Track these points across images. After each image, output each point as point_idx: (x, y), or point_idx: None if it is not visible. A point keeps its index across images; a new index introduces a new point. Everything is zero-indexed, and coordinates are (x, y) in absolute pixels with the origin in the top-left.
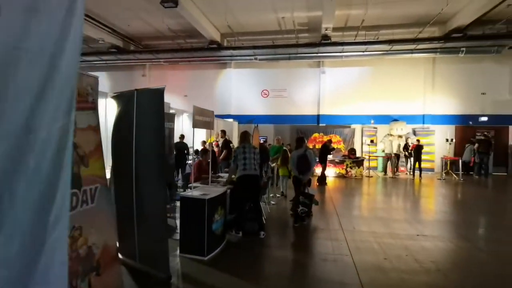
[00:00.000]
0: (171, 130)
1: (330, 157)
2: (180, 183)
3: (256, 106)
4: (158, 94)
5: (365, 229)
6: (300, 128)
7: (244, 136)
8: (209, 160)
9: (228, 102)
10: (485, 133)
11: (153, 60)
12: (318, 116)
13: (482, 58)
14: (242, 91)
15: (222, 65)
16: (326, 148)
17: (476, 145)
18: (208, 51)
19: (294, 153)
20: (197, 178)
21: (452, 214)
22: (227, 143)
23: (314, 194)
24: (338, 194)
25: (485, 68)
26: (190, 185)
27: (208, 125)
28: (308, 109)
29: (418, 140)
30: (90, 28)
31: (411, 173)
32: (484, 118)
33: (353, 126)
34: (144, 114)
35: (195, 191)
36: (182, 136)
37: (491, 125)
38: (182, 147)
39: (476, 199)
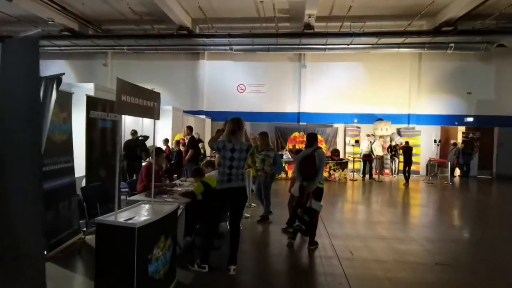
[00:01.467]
0: (116, 124)
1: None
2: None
3: (231, 102)
4: (30, 45)
5: (367, 255)
6: (280, 127)
7: (237, 126)
8: (164, 164)
9: (201, 97)
10: (470, 134)
11: (115, 48)
12: (299, 114)
13: (468, 56)
14: (216, 85)
15: (194, 56)
16: None
17: (462, 145)
18: (177, 39)
19: (300, 153)
20: (145, 187)
21: (473, 232)
22: (194, 141)
23: (318, 210)
24: (324, 203)
25: (471, 67)
26: (129, 198)
27: (148, 112)
28: (288, 107)
29: (407, 142)
30: (36, 5)
31: (397, 176)
32: (470, 119)
33: (335, 125)
34: (10, 80)
35: (127, 211)
36: (134, 132)
37: (477, 126)
38: (134, 146)
39: (485, 208)
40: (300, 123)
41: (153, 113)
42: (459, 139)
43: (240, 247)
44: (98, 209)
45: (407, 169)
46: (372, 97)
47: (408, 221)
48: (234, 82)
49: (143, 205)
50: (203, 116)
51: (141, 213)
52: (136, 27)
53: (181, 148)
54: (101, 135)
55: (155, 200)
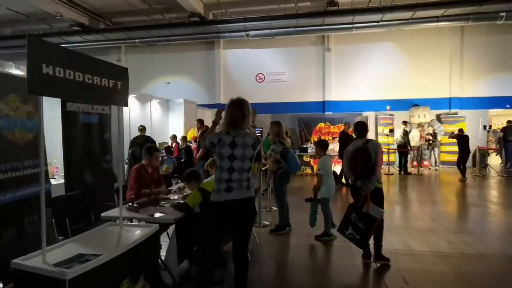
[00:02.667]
0: (105, 118)
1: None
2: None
3: (250, 93)
4: None
5: (433, 268)
6: (303, 118)
7: (240, 111)
8: (157, 165)
9: (217, 89)
10: None
11: (126, 41)
12: (323, 102)
13: None
14: (233, 75)
15: (209, 45)
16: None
17: (501, 132)
18: (189, 27)
19: (349, 146)
20: (136, 196)
21: None
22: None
23: (378, 218)
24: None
25: None
26: (103, 214)
27: (103, 96)
28: (312, 95)
29: (461, 129)
30: None
31: (438, 168)
32: None
33: (365, 113)
34: None
35: (78, 241)
36: (143, 128)
37: None
38: (142, 144)
39: None
40: (326, 113)
41: (114, 98)
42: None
43: (260, 269)
44: (68, 227)
45: (462, 161)
46: (407, 80)
47: (471, 228)
48: (252, 71)
49: (111, 227)
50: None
51: (96, 244)
52: (147, 18)
53: (193, 145)
54: (84, 132)
55: (127, 223)
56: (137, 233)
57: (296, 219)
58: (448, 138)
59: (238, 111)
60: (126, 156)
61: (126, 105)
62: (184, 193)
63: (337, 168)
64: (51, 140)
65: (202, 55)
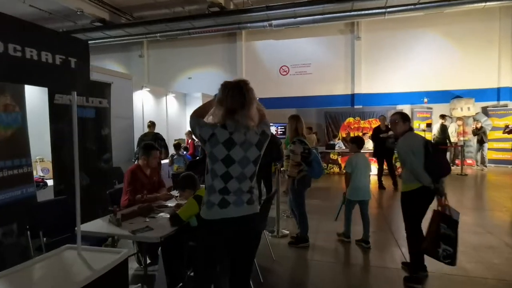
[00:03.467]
0: (103, 112)
1: (369, 146)
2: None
3: (273, 87)
4: None
5: None
6: (330, 112)
7: (240, 96)
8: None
9: None
10: None
11: (148, 36)
12: (353, 96)
13: None
14: (256, 69)
15: (230, 38)
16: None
17: None
18: (209, 18)
19: (408, 140)
20: (130, 202)
21: None
22: None
23: (458, 221)
24: (392, 210)
25: None
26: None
27: (40, 74)
28: (339, 88)
29: None
30: None
31: (485, 168)
32: None
33: (399, 107)
34: None
35: (12, 275)
36: (151, 125)
37: None
38: (151, 141)
39: None
40: (355, 107)
41: (62, 79)
42: None
43: None
44: (42, 241)
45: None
46: (448, 69)
47: None
48: (276, 64)
49: (67, 252)
50: None
51: (34, 282)
52: (167, 11)
53: None
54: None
55: (89, 247)
56: (98, 262)
57: (321, 228)
58: (503, 133)
59: (237, 95)
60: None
61: (83, 91)
62: (178, 202)
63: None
64: (40, 137)
65: (223, 48)
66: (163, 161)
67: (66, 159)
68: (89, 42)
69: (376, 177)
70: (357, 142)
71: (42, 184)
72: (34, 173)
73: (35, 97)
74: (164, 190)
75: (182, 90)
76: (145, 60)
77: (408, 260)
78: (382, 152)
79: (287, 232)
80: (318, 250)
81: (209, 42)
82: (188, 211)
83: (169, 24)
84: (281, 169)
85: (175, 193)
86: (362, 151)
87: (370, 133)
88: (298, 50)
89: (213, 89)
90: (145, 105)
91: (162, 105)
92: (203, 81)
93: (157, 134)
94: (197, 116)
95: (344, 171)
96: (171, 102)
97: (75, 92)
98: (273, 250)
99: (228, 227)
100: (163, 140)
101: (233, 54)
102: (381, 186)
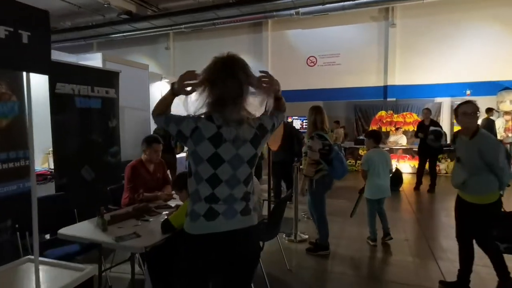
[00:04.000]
0: (110, 103)
1: (403, 142)
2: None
3: (300, 79)
4: None
5: None
6: (360, 105)
7: (234, 80)
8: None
9: None
10: None
11: (173, 28)
12: (385, 87)
13: None
14: (282, 60)
15: (256, 28)
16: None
17: None
18: (234, 7)
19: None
20: (131, 201)
21: None
22: None
23: None
24: (429, 213)
25: None
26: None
27: None
28: (371, 79)
29: None
30: None
31: None
32: None
33: (438, 99)
34: None
35: None
36: None
37: None
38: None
39: None
40: (388, 99)
41: (14, 57)
42: None
43: None
44: (28, 243)
45: None
46: (495, 57)
47: None
48: (303, 55)
49: (25, 266)
50: None
51: None
52: (193, 1)
53: None
54: (81, 119)
55: (51, 261)
56: (54, 281)
57: (345, 233)
58: None
59: (229, 78)
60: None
61: (44, 71)
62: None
63: (405, 165)
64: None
65: (249, 39)
66: (178, 155)
67: (69, 152)
68: (117, 35)
69: (410, 176)
70: (374, 137)
71: (50, 177)
72: (46, 165)
73: (43, 85)
74: (169, 188)
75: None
76: (171, 52)
77: (445, 278)
78: (426, 150)
79: (306, 236)
80: (340, 259)
81: (234, 33)
82: (181, 217)
83: (193, 15)
84: (300, 167)
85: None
86: (395, 147)
87: (405, 127)
88: (326, 39)
89: None
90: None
91: (182, 97)
92: None
93: None
94: (161, 113)
95: (360, 168)
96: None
97: (29, 74)
98: (287, 257)
99: (218, 245)
100: None
101: (258, 45)
102: (418, 187)
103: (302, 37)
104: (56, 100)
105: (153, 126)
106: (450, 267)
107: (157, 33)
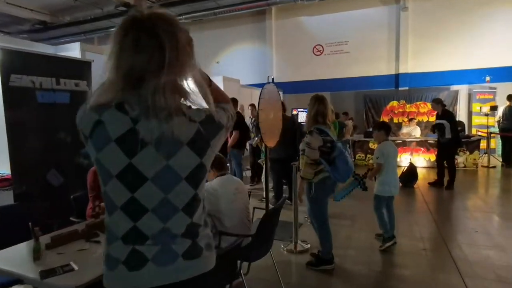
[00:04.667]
0: (79, 96)
1: (417, 134)
2: None
3: (305, 69)
4: None
5: None
6: (370, 95)
7: (152, 46)
8: None
9: (269, 66)
10: None
11: None
12: (397, 76)
13: None
14: (287, 49)
15: (259, 17)
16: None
17: None
18: None
19: None
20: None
21: None
22: (240, 119)
23: None
24: (444, 210)
25: None
26: None
27: None
28: (382, 67)
29: None
30: None
31: None
32: None
33: (454, 87)
34: None
35: None
36: None
37: None
38: None
39: None
40: (399, 89)
41: None
42: None
43: None
44: None
45: None
46: None
47: None
48: (309, 43)
49: None
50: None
51: None
52: None
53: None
54: (45, 116)
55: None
56: None
57: (353, 242)
58: None
59: (146, 45)
60: None
61: None
62: None
63: (419, 159)
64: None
65: (252, 29)
66: None
67: (29, 154)
68: (116, 29)
69: (425, 170)
70: (386, 128)
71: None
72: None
73: None
74: None
75: (211, 76)
76: None
77: None
78: (440, 144)
79: (308, 246)
80: (346, 276)
81: (236, 22)
82: None
83: (193, 5)
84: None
85: None
86: (409, 139)
87: (419, 118)
88: (333, 26)
89: (242, 73)
90: None
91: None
92: (232, 65)
93: None
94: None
95: (372, 162)
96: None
97: None
98: (283, 273)
99: None
100: None
101: (262, 35)
102: (439, 182)
103: (307, 25)
104: (10, 94)
105: None
106: (479, 286)
107: None
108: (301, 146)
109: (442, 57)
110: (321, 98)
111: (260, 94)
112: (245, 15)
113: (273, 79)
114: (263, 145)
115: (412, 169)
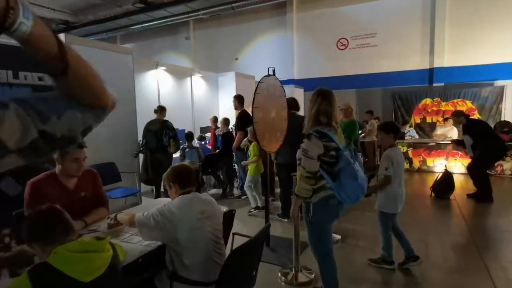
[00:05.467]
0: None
1: (454, 135)
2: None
3: (329, 64)
4: None
5: None
6: (400, 92)
7: None
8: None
9: (290, 62)
10: None
11: (190, 15)
12: (431, 70)
13: None
14: (309, 44)
15: (279, 10)
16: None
17: None
18: None
19: None
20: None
21: None
22: (242, 118)
23: None
24: (485, 222)
25: None
26: None
27: None
28: (414, 62)
29: None
30: None
31: None
32: None
33: (499, 82)
34: None
35: None
36: (159, 110)
37: None
38: (157, 131)
39: None
40: (434, 84)
41: None
42: None
43: None
44: None
45: None
46: None
47: None
48: (332, 37)
49: None
50: (292, 86)
51: None
52: None
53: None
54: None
55: None
56: None
57: (367, 275)
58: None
59: None
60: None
61: None
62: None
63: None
64: None
65: (272, 23)
66: (174, 155)
67: None
68: (136, 27)
69: (462, 178)
70: (396, 131)
71: None
72: None
73: None
74: (103, 212)
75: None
76: (191, 42)
77: None
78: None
79: (312, 276)
80: None
81: (255, 17)
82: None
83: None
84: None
85: (108, 218)
86: (444, 141)
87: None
88: (359, 18)
89: (262, 70)
90: (163, 87)
91: (186, 88)
92: (253, 62)
93: (166, 121)
94: None
95: (381, 173)
96: (198, 83)
97: None
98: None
99: None
100: (173, 129)
101: (282, 29)
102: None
103: (331, 17)
104: None
105: (140, 119)
106: None
107: (176, 21)
108: (297, 154)
109: (485, 49)
110: (326, 93)
111: (256, 89)
112: (265, 8)
113: (273, 70)
114: (251, 147)
115: (447, 177)
